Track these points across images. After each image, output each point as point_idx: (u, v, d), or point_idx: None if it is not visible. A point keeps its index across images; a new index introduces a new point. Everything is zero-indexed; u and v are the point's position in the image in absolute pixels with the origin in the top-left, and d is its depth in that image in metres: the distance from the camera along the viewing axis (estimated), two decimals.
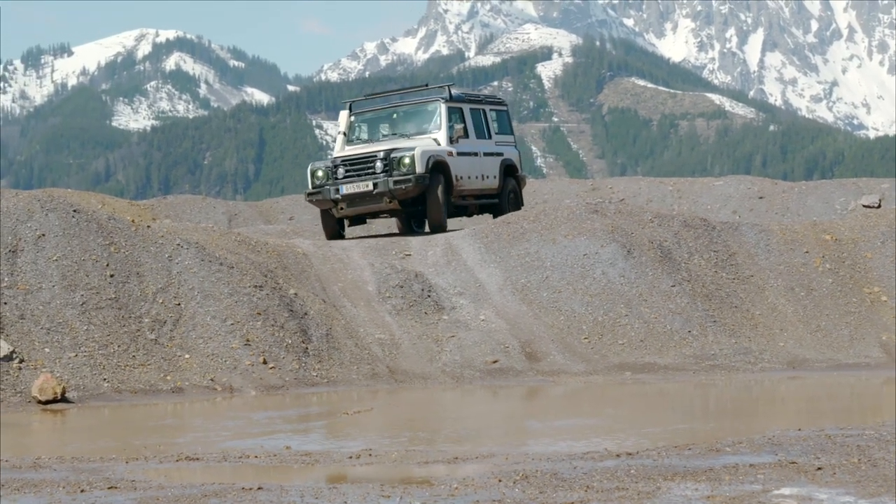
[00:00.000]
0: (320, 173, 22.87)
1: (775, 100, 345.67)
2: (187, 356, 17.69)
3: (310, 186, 23.04)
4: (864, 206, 24.56)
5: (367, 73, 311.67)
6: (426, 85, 25.03)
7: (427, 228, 23.66)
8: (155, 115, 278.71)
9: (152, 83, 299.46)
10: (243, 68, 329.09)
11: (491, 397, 17.63)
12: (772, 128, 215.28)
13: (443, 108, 23.47)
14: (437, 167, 22.73)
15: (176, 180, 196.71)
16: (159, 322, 17.98)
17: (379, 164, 22.44)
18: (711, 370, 19.07)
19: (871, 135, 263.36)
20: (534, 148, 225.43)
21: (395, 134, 23.59)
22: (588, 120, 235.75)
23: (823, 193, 27.89)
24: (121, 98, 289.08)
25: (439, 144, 23.08)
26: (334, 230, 23.16)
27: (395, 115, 23.78)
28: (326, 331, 18.77)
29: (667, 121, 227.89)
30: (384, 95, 24.59)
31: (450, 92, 23.91)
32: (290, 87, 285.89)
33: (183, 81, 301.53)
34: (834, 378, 19.06)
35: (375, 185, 22.42)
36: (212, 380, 17.43)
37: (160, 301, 18.20)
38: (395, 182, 22.33)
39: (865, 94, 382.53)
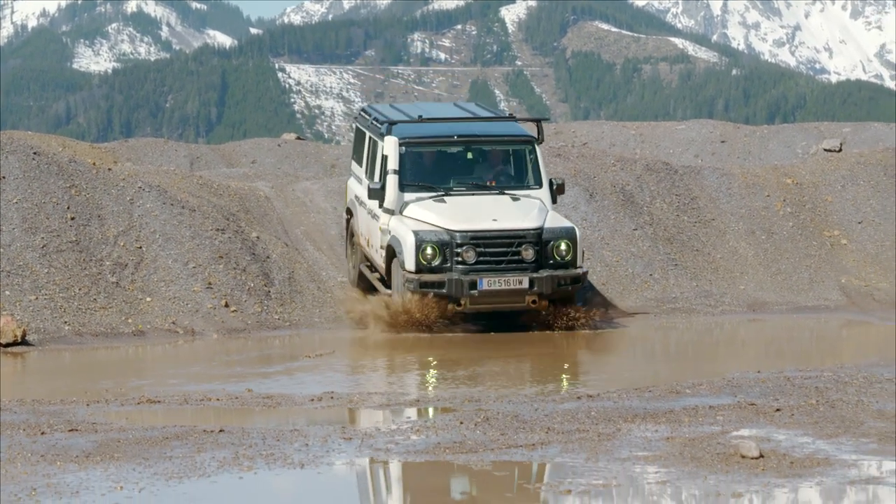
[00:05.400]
0: (430, 251, 16.80)
1: (738, 44, 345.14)
2: (149, 299, 17.65)
3: (412, 265, 16.80)
4: (825, 149, 24.63)
5: (330, 17, 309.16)
6: (511, 115, 19.63)
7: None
8: (116, 57, 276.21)
9: (113, 25, 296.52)
10: (205, 11, 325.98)
11: (454, 341, 17.66)
12: (734, 72, 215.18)
13: (539, 154, 17.86)
14: None
15: (137, 123, 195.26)
16: (120, 265, 17.92)
17: (530, 252, 16.83)
18: (672, 313, 19.15)
19: (833, 79, 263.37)
20: (497, 92, 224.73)
21: (476, 184, 17.82)
22: (551, 64, 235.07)
23: (785, 137, 27.92)
24: (81, 40, 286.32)
25: (546, 208, 17.60)
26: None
27: (469, 155, 18.08)
28: (289, 274, 18.75)
29: (630, 65, 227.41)
30: (439, 121, 18.58)
31: (540, 129, 18.55)
32: (253, 30, 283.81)
33: (144, 24, 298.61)
34: (793, 320, 19.19)
35: (532, 282, 16.80)
36: (173, 323, 17.40)
37: (121, 244, 18.13)
38: (561, 282, 16.92)
39: (828, 39, 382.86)
